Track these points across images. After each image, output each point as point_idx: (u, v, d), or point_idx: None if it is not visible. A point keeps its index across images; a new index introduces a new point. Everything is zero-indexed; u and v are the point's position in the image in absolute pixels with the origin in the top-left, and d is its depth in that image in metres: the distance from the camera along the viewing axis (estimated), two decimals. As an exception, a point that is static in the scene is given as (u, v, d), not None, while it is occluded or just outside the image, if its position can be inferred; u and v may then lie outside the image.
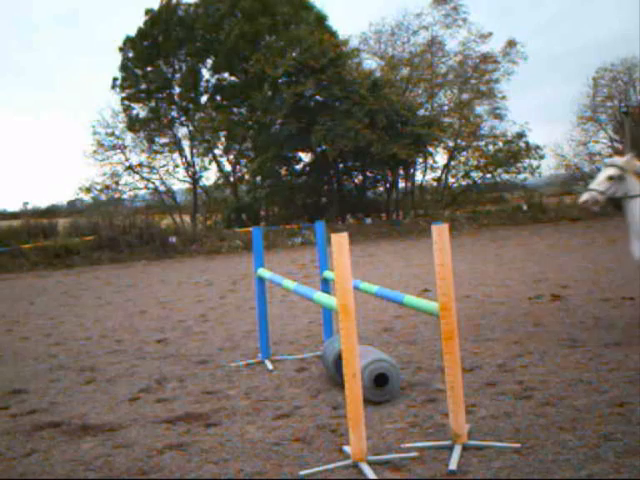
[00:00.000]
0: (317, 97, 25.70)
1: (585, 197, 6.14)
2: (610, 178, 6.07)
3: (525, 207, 27.78)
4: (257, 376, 5.75)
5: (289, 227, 25.19)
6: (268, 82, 26.68)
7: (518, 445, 3.62)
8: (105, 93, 50.41)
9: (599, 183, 6.11)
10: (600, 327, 6.52)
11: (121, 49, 30.44)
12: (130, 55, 30.40)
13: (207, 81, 31.03)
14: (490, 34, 30.27)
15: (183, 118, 31.27)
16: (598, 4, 72.98)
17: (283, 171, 28.49)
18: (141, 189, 32.49)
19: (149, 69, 30.55)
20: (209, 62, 30.72)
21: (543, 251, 15.22)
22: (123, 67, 30.50)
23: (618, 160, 6.25)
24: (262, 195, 27.81)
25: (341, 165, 28.24)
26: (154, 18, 29.82)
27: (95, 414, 4.89)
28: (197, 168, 31.97)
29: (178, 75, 30.98)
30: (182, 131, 31.70)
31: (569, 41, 70.22)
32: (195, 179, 31.88)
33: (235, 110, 30.59)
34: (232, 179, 31.38)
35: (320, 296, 4.50)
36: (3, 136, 57.25)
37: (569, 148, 33.58)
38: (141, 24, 30.13)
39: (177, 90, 31.16)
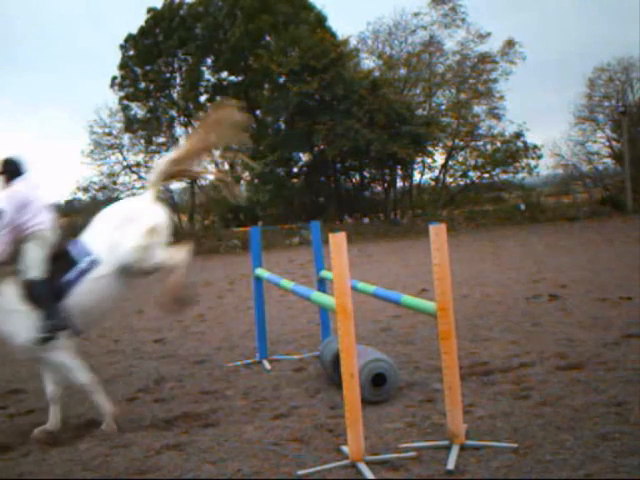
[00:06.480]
0: (316, 97, 25.69)
1: None
2: None
3: (523, 207, 27.83)
4: (255, 376, 5.74)
5: (287, 227, 25.18)
6: (270, 81, 26.63)
7: (516, 445, 3.61)
8: (103, 93, 50.48)
9: None
10: (598, 327, 6.52)
11: (122, 47, 30.38)
12: (131, 53, 30.34)
13: (207, 81, 30.99)
14: (489, 34, 30.32)
15: (182, 118, 31.19)
16: (598, 5, 73.10)
17: (283, 172, 28.46)
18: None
19: (149, 68, 30.49)
20: (209, 62, 30.66)
21: (541, 251, 15.23)
22: (123, 65, 30.44)
23: None
24: (262, 195, 27.65)
25: (339, 165, 28.24)
26: (156, 16, 29.77)
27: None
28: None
29: (178, 75, 30.93)
30: (181, 131, 31.67)
31: (568, 41, 70.27)
32: (193, 178, 31.80)
33: (235, 109, 30.52)
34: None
35: (318, 296, 4.49)
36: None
37: (567, 148, 33.64)
38: (142, 23, 30.13)
39: (177, 90, 31.10)
